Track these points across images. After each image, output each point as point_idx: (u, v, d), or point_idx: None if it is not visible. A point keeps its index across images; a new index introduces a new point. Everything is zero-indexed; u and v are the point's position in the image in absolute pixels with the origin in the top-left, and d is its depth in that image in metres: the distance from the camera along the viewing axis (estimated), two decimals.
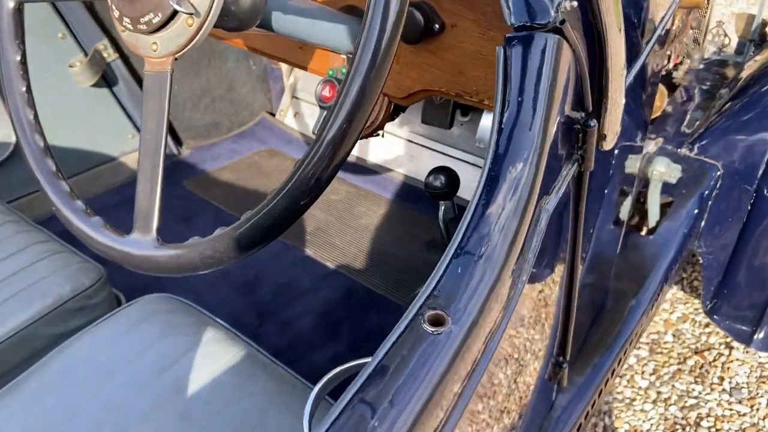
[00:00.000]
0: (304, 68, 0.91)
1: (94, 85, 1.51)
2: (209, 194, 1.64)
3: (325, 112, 0.68)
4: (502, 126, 0.57)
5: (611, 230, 1.25)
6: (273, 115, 1.87)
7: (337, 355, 1.21)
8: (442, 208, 0.86)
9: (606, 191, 1.15)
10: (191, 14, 0.54)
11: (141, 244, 0.59)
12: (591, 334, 1.32)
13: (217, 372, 0.83)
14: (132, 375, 0.84)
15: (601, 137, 0.70)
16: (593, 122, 0.64)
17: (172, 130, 1.74)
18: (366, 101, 0.49)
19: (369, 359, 0.47)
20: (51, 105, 1.46)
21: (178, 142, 1.76)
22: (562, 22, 0.56)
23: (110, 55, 1.53)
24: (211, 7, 0.55)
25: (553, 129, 0.59)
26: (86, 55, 1.48)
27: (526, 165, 0.56)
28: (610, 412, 1.70)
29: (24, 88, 0.73)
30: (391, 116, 0.90)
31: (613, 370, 1.33)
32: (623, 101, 0.70)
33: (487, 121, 1.22)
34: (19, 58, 0.73)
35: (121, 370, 0.84)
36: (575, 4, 0.56)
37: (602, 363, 1.26)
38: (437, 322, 0.48)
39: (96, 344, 0.88)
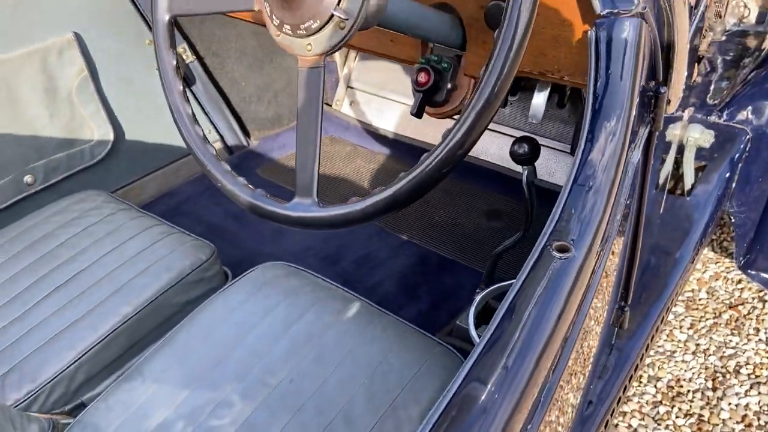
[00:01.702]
0: (396, 59, 1.02)
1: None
2: (281, 179, 1.77)
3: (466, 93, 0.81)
4: (597, 93, 0.68)
5: (653, 193, 1.35)
6: (329, 105, 1.99)
7: (420, 313, 1.33)
8: (525, 172, 0.97)
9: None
10: (345, 19, 0.66)
11: (305, 206, 0.71)
12: (640, 286, 1.42)
13: (340, 321, 0.95)
14: (266, 328, 0.96)
15: (667, 102, 0.80)
16: (663, 89, 0.75)
17: (240, 123, 1.86)
18: (508, 77, 0.61)
19: (513, 281, 0.59)
20: (141, 104, 1.59)
21: (246, 133, 1.88)
22: (644, 8, 0.67)
23: (188, 57, 1.65)
24: (359, 12, 0.67)
25: (637, 95, 0.70)
26: (180, 69, 1.61)
27: (618, 122, 0.67)
28: (653, 364, 1.80)
29: (181, 87, 0.85)
30: None
31: (662, 318, 1.44)
32: (686, 71, 0.81)
33: (538, 99, 1.33)
34: (174, 62, 0.85)
35: (255, 324, 0.97)
36: None
37: (652, 311, 1.37)
38: (563, 249, 0.60)
39: (229, 305, 1.01)
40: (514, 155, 0.93)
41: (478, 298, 0.67)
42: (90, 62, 1.47)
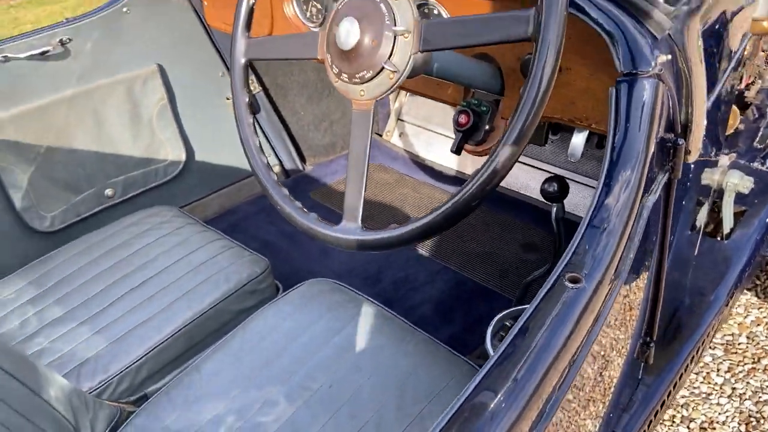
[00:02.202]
0: (441, 100, 1.12)
1: None
2: (331, 202, 1.88)
3: (492, 130, 0.90)
4: (615, 144, 0.76)
5: (689, 235, 1.39)
6: (380, 135, 2.11)
7: (453, 335, 1.41)
8: (554, 209, 1.04)
9: (684, 201, 1.29)
10: (395, 71, 0.76)
11: (351, 230, 0.81)
12: (672, 325, 1.45)
13: (376, 335, 1.04)
14: (309, 338, 1.06)
15: (687, 152, 0.87)
16: (681, 141, 0.82)
17: (297, 149, 1.99)
18: (535, 118, 0.69)
19: (528, 306, 0.67)
20: (211, 129, 1.74)
21: (302, 158, 2.02)
22: (660, 70, 0.74)
23: (255, 87, 1.80)
24: (406, 66, 0.77)
25: (652, 147, 0.77)
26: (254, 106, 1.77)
27: (633, 171, 0.74)
28: (687, 405, 1.80)
29: (251, 120, 0.97)
30: None
31: (692, 357, 1.46)
32: (705, 123, 0.87)
33: (577, 139, 1.40)
34: (247, 99, 0.97)
35: (300, 334, 1.07)
36: (669, 57, 0.74)
37: (683, 350, 1.40)
38: (575, 280, 0.67)
39: (279, 315, 1.11)
40: (544, 193, 1.01)
41: (497, 317, 0.75)
42: (169, 91, 1.63)
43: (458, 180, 1.93)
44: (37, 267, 1.31)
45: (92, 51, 1.45)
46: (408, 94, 2.04)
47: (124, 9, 1.51)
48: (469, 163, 1.91)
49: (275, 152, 1.94)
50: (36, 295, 1.24)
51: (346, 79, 0.80)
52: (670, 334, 1.44)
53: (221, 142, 1.76)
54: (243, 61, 0.97)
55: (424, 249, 1.70)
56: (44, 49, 1.38)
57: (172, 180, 1.69)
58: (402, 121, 2.07)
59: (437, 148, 1.99)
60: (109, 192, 1.59)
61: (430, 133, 2.00)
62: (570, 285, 0.67)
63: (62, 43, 1.40)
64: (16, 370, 0.85)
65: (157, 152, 1.64)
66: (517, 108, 0.69)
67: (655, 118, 0.77)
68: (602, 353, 0.96)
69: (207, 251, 1.32)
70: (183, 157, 1.68)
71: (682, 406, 1.80)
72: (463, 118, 1.02)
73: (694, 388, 1.83)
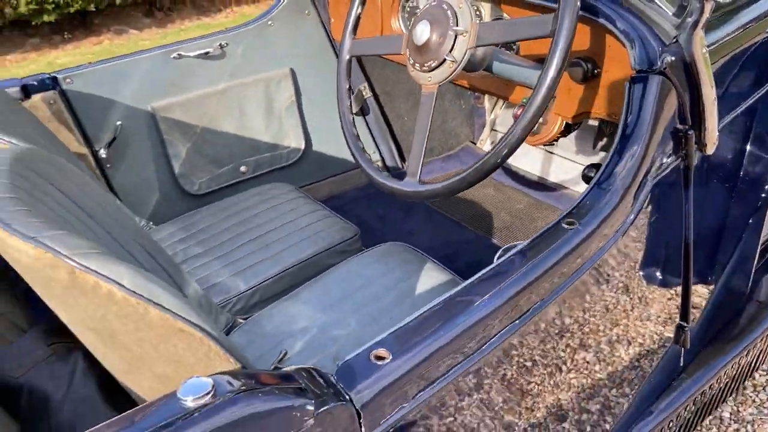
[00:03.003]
0: (505, 98, 1.34)
1: (355, 114, 2.10)
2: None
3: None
4: (626, 125, 0.94)
5: (751, 245, 1.46)
6: (474, 143, 2.33)
7: None
8: None
9: (746, 211, 1.38)
10: (453, 61, 1.01)
11: (411, 184, 1.05)
12: (728, 327, 1.53)
13: (435, 288, 1.27)
14: (381, 283, 1.30)
15: (703, 145, 1.01)
16: (691, 131, 0.97)
17: (399, 150, 2.27)
18: (540, 109, 0.91)
19: (526, 241, 0.87)
20: (328, 124, 2.07)
21: (402, 159, 2.29)
22: (664, 68, 0.92)
23: (367, 93, 2.10)
24: (462, 58, 1.01)
25: (659, 131, 0.94)
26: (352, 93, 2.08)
27: (638, 147, 0.92)
28: (753, 422, 1.82)
29: (349, 103, 1.25)
30: (564, 132, 1.29)
31: (741, 362, 1.52)
32: (716, 120, 1.01)
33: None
34: (347, 86, 1.26)
35: (375, 280, 1.32)
36: (674, 59, 0.92)
37: (731, 350, 1.47)
38: (571, 223, 0.87)
39: (360, 264, 1.37)
40: (585, 178, 1.19)
41: (504, 247, 0.93)
42: (297, 90, 1.97)
43: (538, 183, 2.10)
44: (186, 218, 1.68)
45: (242, 54, 1.83)
46: (503, 107, 2.24)
47: (269, 22, 1.88)
48: (550, 167, 2.08)
49: (379, 150, 2.23)
50: (184, 237, 1.61)
51: (418, 68, 1.06)
52: (724, 334, 1.51)
53: (335, 136, 2.08)
54: (347, 57, 1.25)
55: (497, 239, 1.90)
56: (207, 50, 1.77)
57: (292, 164, 2.03)
58: (495, 131, 2.27)
59: (521, 155, 2.18)
60: (243, 168, 1.95)
61: None
62: (565, 226, 0.86)
63: (221, 46, 1.79)
64: (168, 268, 1.18)
65: (283, 140, 1.99)
66: (528, 106, 0.91)
67: (662, 108, 0.94)
68: (628, 332, 1.11)
69: (311, 218, 1.62)
70: (302, 146, 2.02)
71: (748, 422, 1.82)
72: (520, 112, 1.23)
73: (765, 407, 1.84)
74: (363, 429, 0.70)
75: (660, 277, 1.16)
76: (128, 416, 0.59)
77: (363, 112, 2.14)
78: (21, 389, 0.90)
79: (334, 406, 0.67)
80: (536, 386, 0.93)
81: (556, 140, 1.28)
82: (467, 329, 0.77)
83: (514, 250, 0.85)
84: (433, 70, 1.03)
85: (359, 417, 0.69)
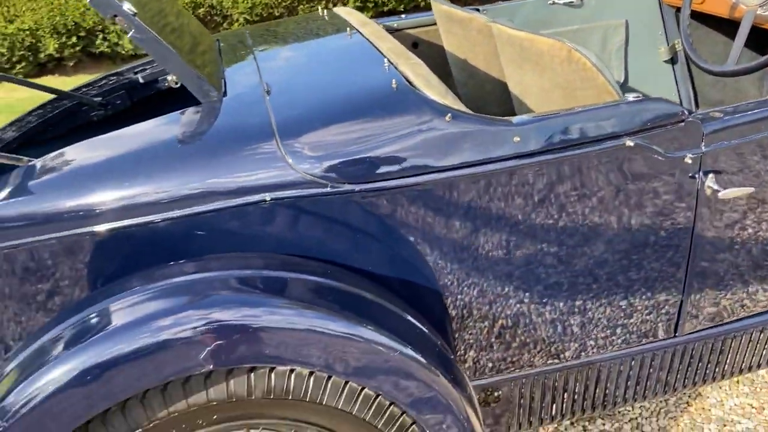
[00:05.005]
0: None
1: (665, 60, 2.67)
2: None
3: None
4: None
5: None
6: None
7: None
8: None
9: None
10: None
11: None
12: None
13: None
14: None
15: None
16: None
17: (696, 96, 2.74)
18: None
19: None
20: (643, 70, 2.65)
21: (696, 104, 2.76)
22: None
23: (679, 46, 2.63)
24: None
25: None
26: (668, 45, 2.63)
27: None
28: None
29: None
30: None
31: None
32: None
33: None
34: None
35: None
36: None
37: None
38: None
39: None
40: None
41: None
42: (626, 38, 2.60)
43: None
44: None
45: (596, 4, 2.52)
46: None
47: None
48: None
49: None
50: None
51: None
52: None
53: (651, 78, 2.66)
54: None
55: None
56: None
57: None
58: None
59: None
60: None
61: None
62: None
63: None
64: None
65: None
66: None
67: None
68: None
69: None
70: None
71: None
72: None
73: None
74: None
75: None
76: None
77: (672, 61, 2.69)
78: None
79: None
80: None
81: None
82: None
83: None
84: None
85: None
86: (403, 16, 2.43)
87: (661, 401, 2.14)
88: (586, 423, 2.07)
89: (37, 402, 1.07)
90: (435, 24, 2.33)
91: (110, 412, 1.15)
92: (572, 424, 2.08)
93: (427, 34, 2.35)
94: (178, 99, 1.90)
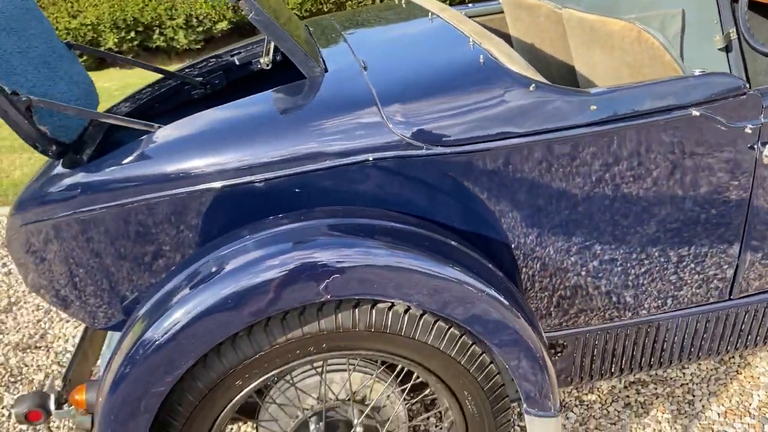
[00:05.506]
0: None
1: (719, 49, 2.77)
2: None
3: None
4: None
5: None
6: None
7: None
8: None
9: None
10: None
11: None
12: None
13: None
14: None
15: None
16: None
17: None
18: None
19: None
20: (699, 55, 2.75)
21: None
22: None
23: (733, 35, 2.73)
24: None
25: None
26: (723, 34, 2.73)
27: None
28: None
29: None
30: None
31: None
32: None
33: None
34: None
35: None
36: None
37: None
38: None
39: None
40: None
41: None
42: (682, 27, 2.71)
43: None
44: None
45: None
46: None
47: None
48: None
49: None
50: None
51: None
52: None
53: (706, 65, 2.76)
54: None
55: None
56: None
57: None
58: None
59: None
60: None
61: None
62: None
63: None
64: None
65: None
66: None
67: None
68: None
69: None
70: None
71: None
72: None
73: None
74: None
75: None
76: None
77: (727, 49, 2.79)
78: None
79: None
80: None
81: None
82: None
83: None
84: None
85: None
86: (469, 5, 2.58)
87: (711, 369, 2.26)
88: (639, 387, 2.21)
89: (185, 324, 1.28)
90: (500, 12, 2.49)
91: (238, 336, 1.35)
92: (625, 387, 2.21)
93: (493, 22, 2.50)
94: (268, 79, 2.11)
